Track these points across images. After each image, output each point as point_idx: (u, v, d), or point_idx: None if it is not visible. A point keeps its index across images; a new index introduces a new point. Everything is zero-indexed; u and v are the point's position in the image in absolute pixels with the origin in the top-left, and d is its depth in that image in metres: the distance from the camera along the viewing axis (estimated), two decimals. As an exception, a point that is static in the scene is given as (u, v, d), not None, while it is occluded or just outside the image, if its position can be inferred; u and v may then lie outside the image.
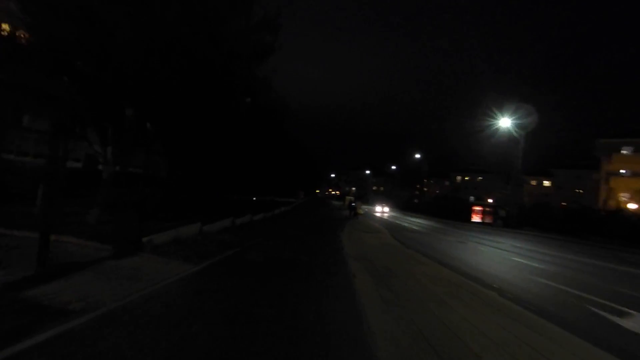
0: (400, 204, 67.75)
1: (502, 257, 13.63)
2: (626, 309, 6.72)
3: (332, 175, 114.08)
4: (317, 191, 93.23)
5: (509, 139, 35.68)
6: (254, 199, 25.70)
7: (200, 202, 13.19)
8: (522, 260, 12.98)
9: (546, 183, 61.49)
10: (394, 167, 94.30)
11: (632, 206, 36.85)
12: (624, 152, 42.43)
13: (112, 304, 4.44)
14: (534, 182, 60.84)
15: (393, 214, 48.50)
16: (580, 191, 54.43)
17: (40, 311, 3.98)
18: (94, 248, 6.93)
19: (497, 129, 35.76)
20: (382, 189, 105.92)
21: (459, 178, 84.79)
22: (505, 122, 34.97)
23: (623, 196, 39.56)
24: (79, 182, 12.76)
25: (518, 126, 34.10)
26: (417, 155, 78.67)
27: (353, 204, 43.70)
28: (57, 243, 7.20)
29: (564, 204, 45.83)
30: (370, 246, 13.55)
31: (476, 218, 39.97)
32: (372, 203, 64.31)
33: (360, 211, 41.51)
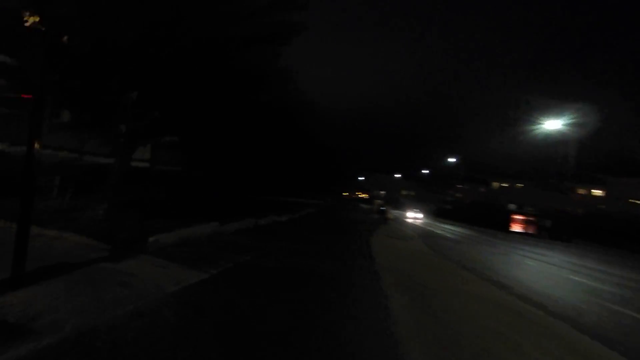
0: (431, 210, 65.01)
1: (558, 276, 11.80)
2: None
3: (360, 178, 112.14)
4: (345, 194, 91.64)
5: (558, 141, 32.72)
6: (279, 199, 24.82)
7: (218, 200, 12.38)
8: (584, 281, 11.13)
9: (597, 192, 56.61)
10: (424, 171, 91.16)
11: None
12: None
13: (88, 322, 3.47)
14: (582, 191, 56.21)
15: (425, 220, 46.23)
16: (638, 202, 49.46)
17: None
18: (92, 247, 6.10)
19: (543, 132, 32.90)
20: (412, 193, 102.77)
21: (495, 184, 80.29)
22: (553, 124, 32.07)
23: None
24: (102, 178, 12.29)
25: (572, 125, 31.00)
26: (451, 159, 75.44)
27: (382, 208, 41.95)
28: (56, 240, 6.46)
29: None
30: (404, 256, 12.16)
31: (517, 228, 37.10)
32: (402, 207, 61.98)
33: (390, 215, 39.79)
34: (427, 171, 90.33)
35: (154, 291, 4.75)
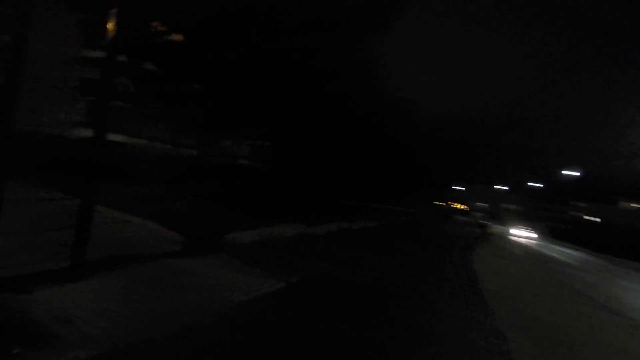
0: (542, 228, 56.28)
1: None
2: None
3: (457, 188, 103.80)
4: (440, 203, 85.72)
5: None
6: (367, 205, 23.78)
7: (305, 201, 11.96)
8: None
9: None
10: (534, 184, 79.90)
11: None
12: None
13: (132, 335, 2.97)
14: None
15: (536, 240, 39.84)
16: None
17: (28, 331, 2.73)
18: (167, 239, 5.95)
19: None
20: (518, 208, 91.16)
21: (625, 204, 65.56)
22: None
23: None
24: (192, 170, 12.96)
25: None
26: (569, 172, 64.50)
27: (483, 222, 37.86)
28: (134, 227, 6.42)
29: None
30: (517, 283, 10.01)
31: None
32: (506, 223, 54.92)
33: (493, 231, 35.45)
34: (537, 184, 79.02)
35: (219, 300, 4.18)
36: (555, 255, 23.67)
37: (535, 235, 40.64)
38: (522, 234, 40.14)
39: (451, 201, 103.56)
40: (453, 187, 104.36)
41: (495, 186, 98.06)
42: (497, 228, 43.39)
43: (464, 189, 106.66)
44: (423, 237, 19.56)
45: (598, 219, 63.32)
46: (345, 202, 18.00)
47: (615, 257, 31.75)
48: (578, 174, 63.29)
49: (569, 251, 30.24)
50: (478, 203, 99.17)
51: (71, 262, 3.73)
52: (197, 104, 9.45)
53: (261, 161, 13.41)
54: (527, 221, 52.16)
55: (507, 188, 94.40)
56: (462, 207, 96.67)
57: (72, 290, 3.52)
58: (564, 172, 64.68)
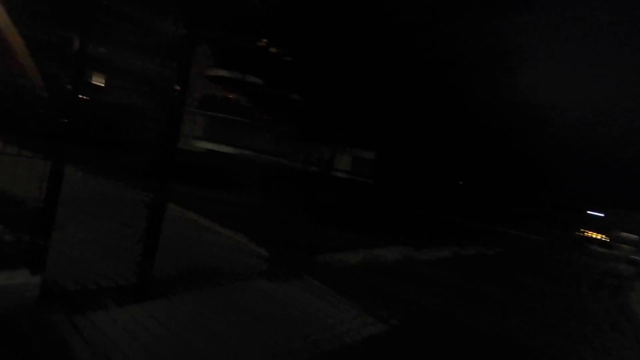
0: None
1: None
2: None
3: (595, 214, 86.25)
4: (575, 231, 71.64)
5: None
6: (485, 226, 20.56)
7: (412, 219, 10.48)
8: None
9: None
10: None
11: None
12: None
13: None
14: None
15: None
16: None
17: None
18: (253, 255, 5.30)
19: None
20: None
21: None
22: None
23: None
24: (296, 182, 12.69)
25: None
26: None
27: (636, 258, 30.35)
28: (221, 239, 6.03)
29: None
30: None
31: None
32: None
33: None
34: None
35: (300, 342, 3.20)
36: None
37: None
38: None
39: (585, 228, 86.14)
40: (588, 211, 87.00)
41: (649, 214, 78.14)
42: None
43: (603, 215, 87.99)
44: (553, 269, 15.85)
45: None
46: (457, 221, 15.65)
47: None
48: None
49: None
50: (623, 233, 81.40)
51: (138, 278, 3.19)
52: (297, 114, 8.98)
53: (363, 174, 12.44)
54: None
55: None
56: (601, 236, 79.42)
57: (128, 312, 2.94)
58: None
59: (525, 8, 7.26)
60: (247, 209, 8.53)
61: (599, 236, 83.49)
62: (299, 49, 7.66)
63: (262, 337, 3.11)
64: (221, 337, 2.92)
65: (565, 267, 19.23)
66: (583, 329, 6.27)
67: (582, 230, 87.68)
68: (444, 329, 4.68)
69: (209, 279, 4.07)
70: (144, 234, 3.14)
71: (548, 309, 7.40)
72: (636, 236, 70.84)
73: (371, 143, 10.05)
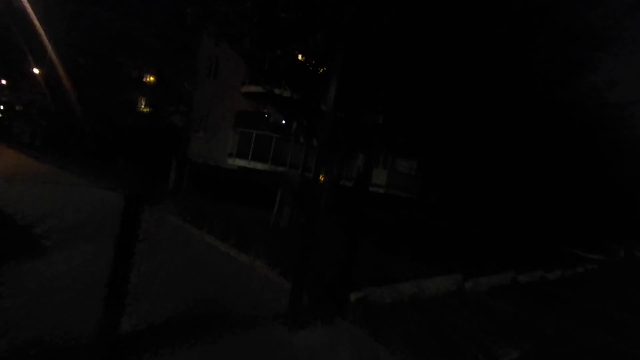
0: None
1: None
2: None
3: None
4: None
5: None
6: (547, 245, 18.19)
7: (460, 238, 9.17)
8: None
9: None
10: None
11: None
12: None
13: None
14: None
15: None
16: None
17: None
18: (275, 289, 4.47)
19: None
20: None
21: None
22: None
23: None
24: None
25: None
26: None
27: None
28: (237, 268, 5.24)
29: None
30: None
31: None
32: None
33: None
34: None
35: None
36: None
37: None
38: None
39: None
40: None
41: None
42: None
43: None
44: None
45: None
46: (515, 239, 13.79)
47: None
48: None
49: None
50: None
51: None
52: (336, 128, 8.22)
53: (411, 192, 11.38)
54: None
55: None
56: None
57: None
58: None
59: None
60: (278, 232, 7.86)
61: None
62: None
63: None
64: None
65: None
66: None
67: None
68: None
69: (224, 328, 3.35)
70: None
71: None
72: None
73: (423, 158, 9.06)
